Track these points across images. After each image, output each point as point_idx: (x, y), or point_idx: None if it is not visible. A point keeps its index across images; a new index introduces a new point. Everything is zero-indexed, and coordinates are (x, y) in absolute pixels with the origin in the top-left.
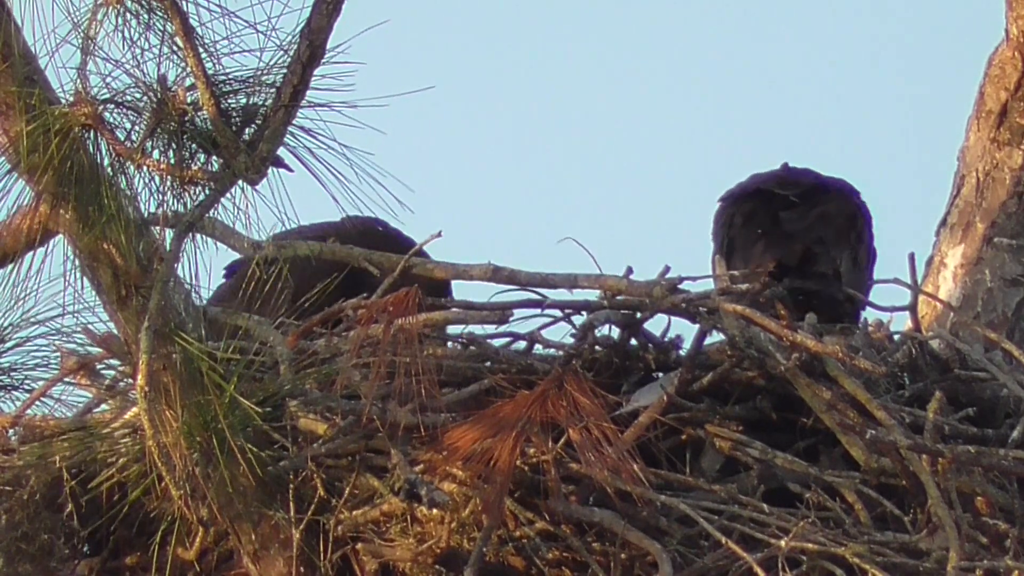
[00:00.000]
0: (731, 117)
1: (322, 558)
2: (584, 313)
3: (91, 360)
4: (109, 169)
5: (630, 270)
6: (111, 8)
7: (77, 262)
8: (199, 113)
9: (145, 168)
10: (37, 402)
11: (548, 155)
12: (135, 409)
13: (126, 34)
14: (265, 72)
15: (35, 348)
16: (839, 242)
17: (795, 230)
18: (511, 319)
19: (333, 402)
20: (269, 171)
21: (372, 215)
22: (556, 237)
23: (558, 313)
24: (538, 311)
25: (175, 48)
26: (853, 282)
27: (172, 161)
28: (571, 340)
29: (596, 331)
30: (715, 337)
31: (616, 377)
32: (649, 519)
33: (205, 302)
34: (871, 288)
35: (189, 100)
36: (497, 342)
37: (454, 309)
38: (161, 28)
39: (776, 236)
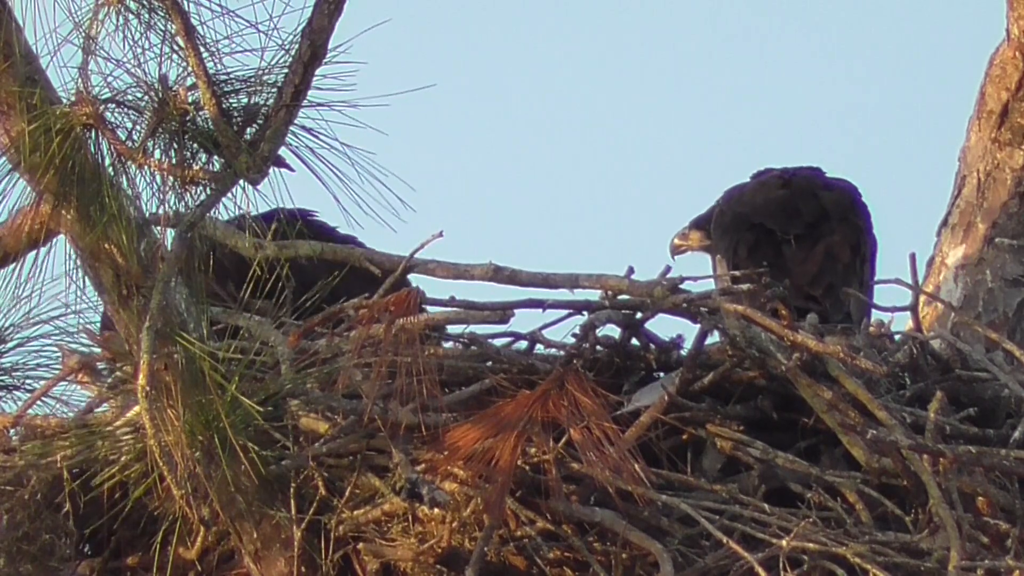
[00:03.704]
0: (732, 117)
1: (323, 557)
2: (585, 313)
3: (92, 360)
4: (110, 169)
5: (631, 270)
6: (112, 8)
7: (79, 262)
8: (200, 113)
9: (146, 168)
10: (38, 401)
11: (549, 154)
12: (136, 408)
13: (127, 33)
14: (266, 72)
15: (37, 348)
16: (847, 278)
17: (800, 271)
18: (512, 319)
19: (334, 402)
20: (270, 171)
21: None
22: (557, 237)
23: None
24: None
25: (176, 47)
26: (859, 301)
27: (174, 161)
28: (572, 340)
29: (597, 331)
30: (716, 337)
31: (617, 377)
32: (650, 519)
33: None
34: (873, 288)
35: (190, 100)
36: (498, 342)
37: (456, 309)
38: (162, 27)
39: (781, 271)
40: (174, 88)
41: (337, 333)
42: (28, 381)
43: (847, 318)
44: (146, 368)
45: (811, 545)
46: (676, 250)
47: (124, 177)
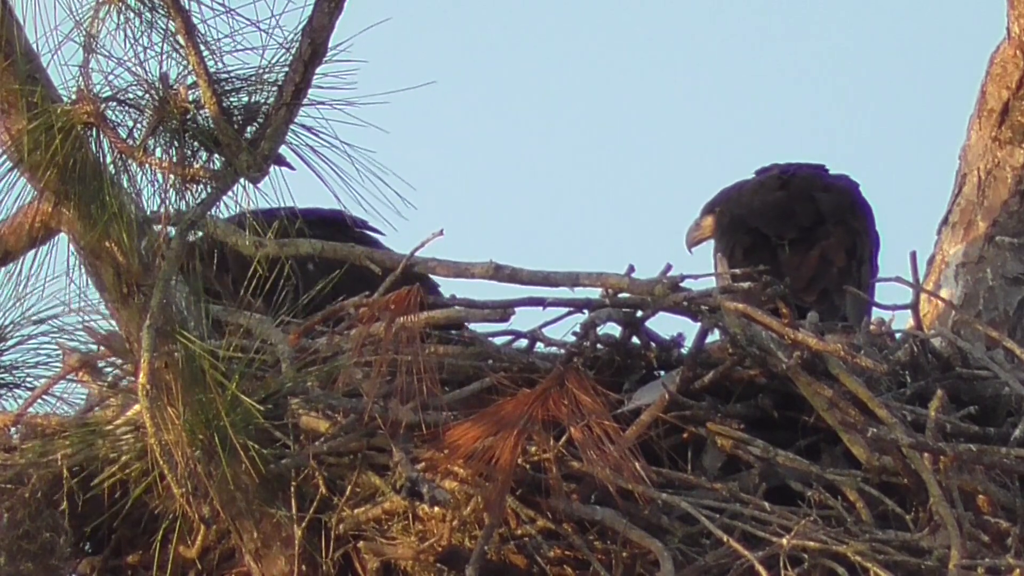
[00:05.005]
0: (733, 116)
1: (324, 556)
2: (586, 311)
3: (93, 358)
4: (111, 167)
5: (632, 268)
6: (113, 6)
7: (79, 260)
8: (201, 111)
9: (147, 166)
10: (39, 400)
11: (550, 153)
12: (137, 407)
13: (128, 32)
14: (267, 70)
15: (37, 346)
16: (842, 283)
17: (795, 277)
18: (512, 317)
19: (335, 400)
20: (271, 169)
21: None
22: (558, 235)
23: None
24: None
25: (177, 46)
26: (856, 302)
27: (174, 159)
28: (573, 338)
29: (598, 329)
30: (716, 335)
31: (618, 375)
32: (651, 517)
33: None
34: (874, 287)
35: (191, 98)
36: (499, 340)
37: (456, 307)
38: (163, 26)
39: (776, 276)
40: (175, 86)
41: (338, 331)
42: (28, 379)
43: (844, 318)
44: (146, 366)
45: (812, 543)
46: (693, 242)
47: (125, 175)
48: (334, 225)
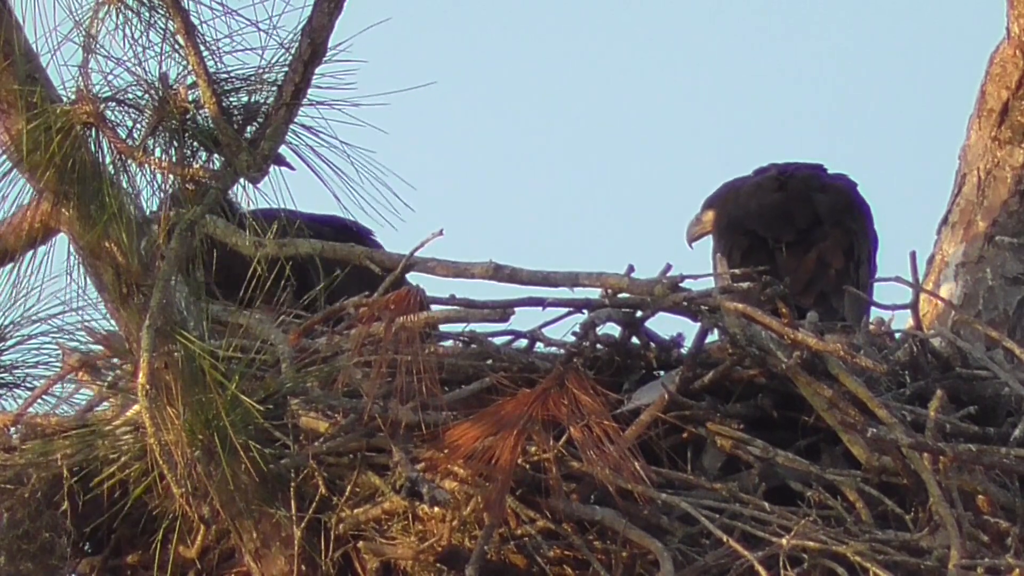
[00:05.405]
0: (733, 115)
1: (323, 556)
2: (585, 311)
3: (92, 358)
4: (111, 167)
5: (631, 268)
6: (112, 6)
7: (79, 260)
8: (201, 111)
9: (147, 166)
10: (38, 400)
11: (550, 153)
12: (136, 407)
13: (128, 32)
14: (267, 70)
15: (37, 346)
16: (840, 285)
17: (792, 280)
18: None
19: (335, 400)
20: (271, 169)
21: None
22: (558, 235)
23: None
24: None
25: (176, 46)
26: (855, 302)
27: (174, 159)
28: (572, 338)
29: (597, 329)
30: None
31: (617, 375)
32: (650, 517)
33: None
34: (873, 287)
35: (191, 98)
36: (498, 340)
37: (455, 307)
38: (162, 26)
39: (775, 278)
40: (174, 86)
41: (337, 331)
42: (28, 379)
43: (842, 319)
44: (146, 367)
45: (811, 543)
46: (693, 237)
47: (124, 175)
48: (344, 233)
